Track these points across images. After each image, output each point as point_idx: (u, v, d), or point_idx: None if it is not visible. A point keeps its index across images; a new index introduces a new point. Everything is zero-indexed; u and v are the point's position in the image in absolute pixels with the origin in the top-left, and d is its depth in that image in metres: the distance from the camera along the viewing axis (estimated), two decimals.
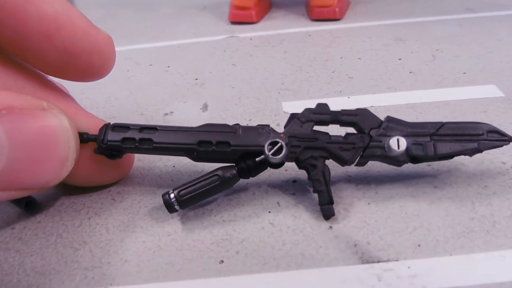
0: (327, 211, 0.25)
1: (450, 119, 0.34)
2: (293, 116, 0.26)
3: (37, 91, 0.25)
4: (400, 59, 0.45)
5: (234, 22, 0.60)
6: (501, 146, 0.25)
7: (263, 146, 0.25)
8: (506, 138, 0.25)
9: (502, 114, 0.34)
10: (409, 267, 0.22)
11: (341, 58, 0.46)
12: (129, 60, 0.51)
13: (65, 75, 0.26)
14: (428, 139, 0.25)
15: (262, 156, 0.25)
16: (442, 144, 0.25)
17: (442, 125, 0.25)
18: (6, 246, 0.25)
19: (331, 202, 0.25)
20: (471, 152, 0.25)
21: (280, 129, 0.27)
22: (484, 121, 0.26)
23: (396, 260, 0.22)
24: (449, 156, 0.25)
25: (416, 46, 0.48)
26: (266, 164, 0.26)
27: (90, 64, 0.25)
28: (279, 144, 0.25)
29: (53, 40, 0.23)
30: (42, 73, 0.26)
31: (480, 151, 0.25)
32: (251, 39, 0.54)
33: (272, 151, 0.24)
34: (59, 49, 0.23)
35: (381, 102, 0.37)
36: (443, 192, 0.26)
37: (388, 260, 0.22)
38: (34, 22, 0.22)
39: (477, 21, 0.53)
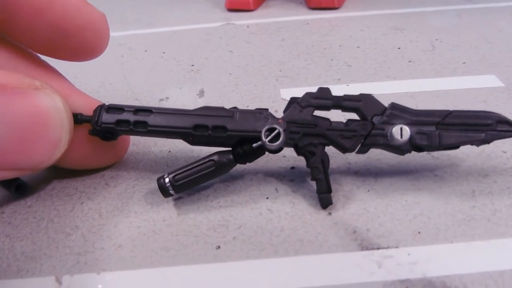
0: (324, 200, 0.24)
1: (450, 108, 0.33)
2: (293, 101, 0.25)
3: (31, 71, 0.24)
4: (399, 48, 0.44)
5: (230, 9, 0.59)
6: (511, 137, 0.24)
7: (260, 132, 0.24)
8: None
9: (502, 104, 0.33)
10: (409, 254, 0.22)
11: (339, 46, 0.46)
12: (123, 46, 0.50)
13: (57, 54, 0.25)
14: (433, 128, 0.24)
15: (259, 142, 0.24)
16: (447, 134, 0.24)
17: (449, 113, 0.24)
18: None
19: (329, 190, 0.24)
20: (478, 143, 0.24)
21: (278, 115, 0.26)
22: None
23: (396, 247, 0.22)
24: (454, 146, 0.24)
25: (415, 35, 0.47)
26: (263, 149, 0.25)
27: (83, 42, 0.24)
28: (276, 131, 0.24)
29: (45, 16, 0.22)
30: (36, 53, 0.25)
31: (488, 142, 0.24)
32: (248, 27, 0.53)
33: (269, 137, 0.24)
34: (51, 25, 0.23)
35: (380, 90, 0.36)
36: (444, 181, 0.26)
37: (388, 247, 0.22)
38: None
39: (477, 12, 0.53)
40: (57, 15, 0.22)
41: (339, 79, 0.39)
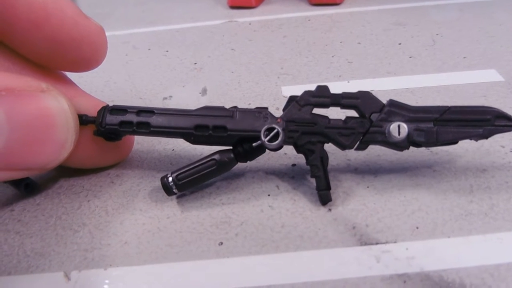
0: (323, 197, 0.25)
1: (450, 103, 0.33)
2: (292, 99, 0.25)
3: (36, 74, 0.25)
4: (400, 44, 0.44)
5: (233, 7, 0.59)
6: (509, 131, 0.24)
7: (260, 132, 0.24)
8: None
9: (502, 99, 0.34)
10: (407, 249, 0.22)
11: (340, 42, 0.46)
12: (127, 45, 0.50)
13: (55, 65, 0.25)
14: (431, 124, 0.24)
15: (259, 142, 0.25)
16: (445, 130, 0.24)
17: (447, 109, 0.24)
18: (5, 227, 0.25)
19: (328, 187, 0.25)
20: (476, 138, 0.24)
21: (279, 113, 0.26)
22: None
23: (394, 242, 0.23)
24: (452, 142, 0.24)
25: (416, 30, 0.47)
26: (263, 148, 0.25)
27: (80, 54, 0.25)
28: (275, 130, 0.24)
29: (42, 29, 0.23)
30: None
31: (486, 137, 0.24)
32: (250, 24, 0.54)
33: (268, 137, 0.24)
34: (48, 38, 0.23)
35: (380, 87, 0.37)
36: (442, 176, 0.26)
37: (386, 242, 0.23)
38: (23, 9, 0.22)
39: (478, 6, 0.53)
40: (54, 28, 0.23)
41: (340, 76, 0.39)
